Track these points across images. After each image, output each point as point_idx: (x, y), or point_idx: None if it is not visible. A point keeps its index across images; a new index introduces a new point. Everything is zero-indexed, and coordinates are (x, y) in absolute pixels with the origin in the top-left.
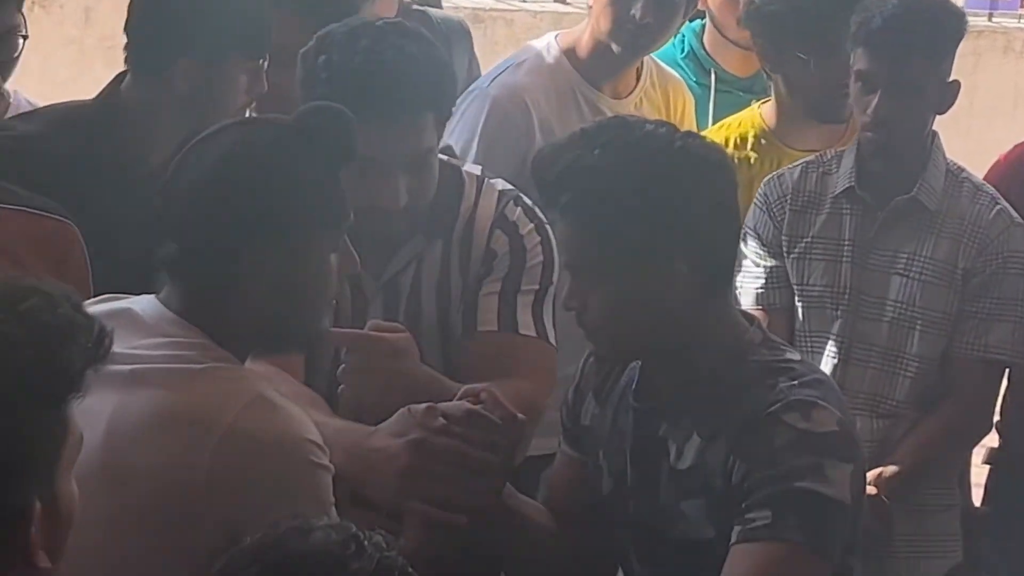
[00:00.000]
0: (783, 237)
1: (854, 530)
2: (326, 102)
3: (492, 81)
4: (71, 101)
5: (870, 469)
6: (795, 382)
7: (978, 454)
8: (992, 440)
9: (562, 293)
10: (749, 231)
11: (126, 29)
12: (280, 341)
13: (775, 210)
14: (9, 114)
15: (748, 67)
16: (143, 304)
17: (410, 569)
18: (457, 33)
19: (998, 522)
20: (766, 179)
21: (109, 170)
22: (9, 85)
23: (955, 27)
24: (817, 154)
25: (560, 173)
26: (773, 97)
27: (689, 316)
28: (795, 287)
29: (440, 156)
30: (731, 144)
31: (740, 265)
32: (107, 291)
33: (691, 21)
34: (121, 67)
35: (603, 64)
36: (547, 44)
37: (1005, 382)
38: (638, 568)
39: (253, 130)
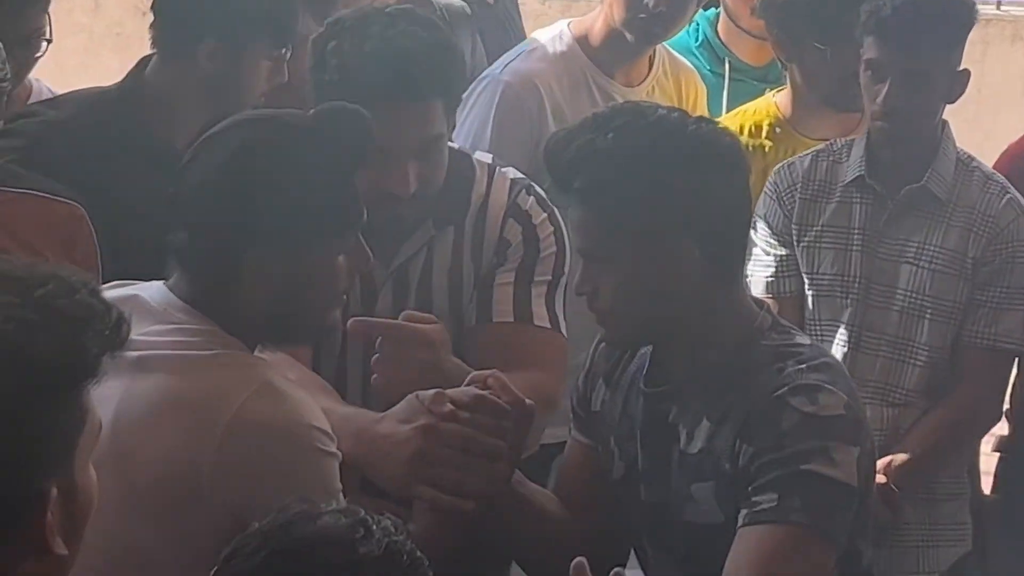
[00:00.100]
0: (793, 226)
1: (863, 513)
2: (344, 103)
3: (505, 68)
4: (95, 87)
5: (880, 457)
6: (803, 366)
7: (987, 442)
8: (1001, 428)
9: (574, 279)
10: (759, 219)
11: (154, 10)
12: (284, 335)
13: (785, 199)
14: (31, 100)
15: (762, 56)
16: (151, 291)
17: (419, 553)
18: (458, 18)
19: (1007, 510)
20: (776, 168)
21: (134, 154)
22: None
23: (965, 16)
24: (827, 143)
25: (573, 157)
26: (788, 86)
27: (701, 300)
28: (805, 276)
29: (450, 144)
30: (746, 132)
31: (750, 253)
32: (134, 275)
33: (705, 10)
34: (129, 54)
35: (616, 52)
36: (559, 31)
37: (1015, 371)
38: (651, 552)
39: (267, 128)
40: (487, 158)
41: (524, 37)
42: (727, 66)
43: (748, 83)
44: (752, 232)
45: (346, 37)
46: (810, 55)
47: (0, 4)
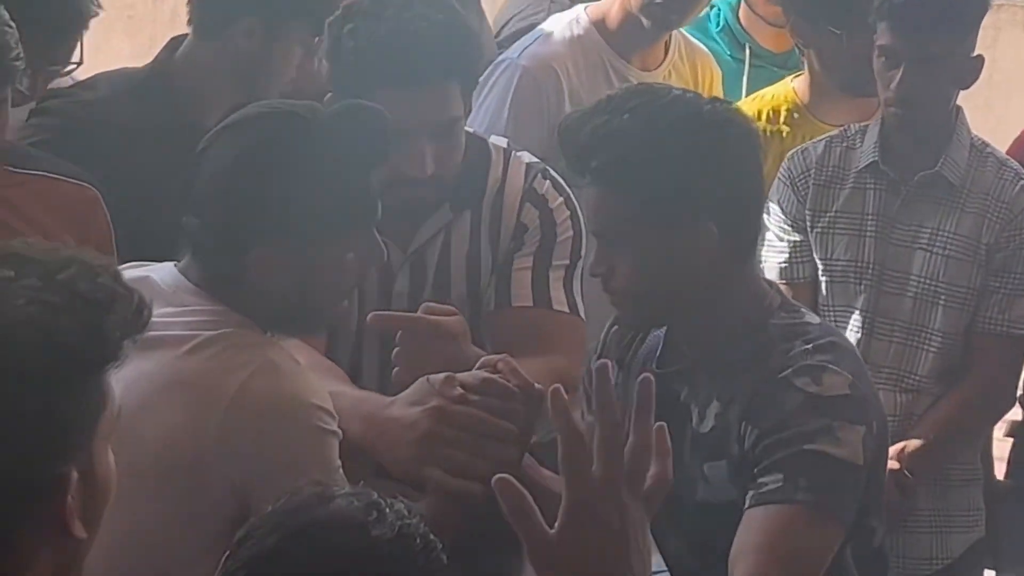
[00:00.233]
0: (807, 211)
1: (872, 491)
2: (363, 101)
3: (522, 52)
4: (125, 68)
5: (894, 444)
6: (809, 346)
7: (1000, 428)
8: (1015, 414)
9: (588, 260)
10: (773, 205)
11: None
12: (291, 325)
13: (799, 184)
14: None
15: (783, 43)
16: (162, 273)
17: (432, 537)
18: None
19: (1021, 495)
20: (789, 153)
21: (165, 134)
22: None
23: (978, 1)
24: (841, 128)
25: (589, 138)
26: (806, 71)
27: (717, 279)
28: (819, 261)
29: (466, 129)
30: (763, 117)
31: (763, 239)
32: (167, 257)
33: None
34: (140, 37)
35: (632, 36)
36: (576, 16)
37: None
38: (667, 532)
39: (282, 124)
40: (502, 142)
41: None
42: (747, 52)
43: (768, 69)
44: (766, 217)
45: (361, 20)
46: (826, 40)
47: (33, 36)
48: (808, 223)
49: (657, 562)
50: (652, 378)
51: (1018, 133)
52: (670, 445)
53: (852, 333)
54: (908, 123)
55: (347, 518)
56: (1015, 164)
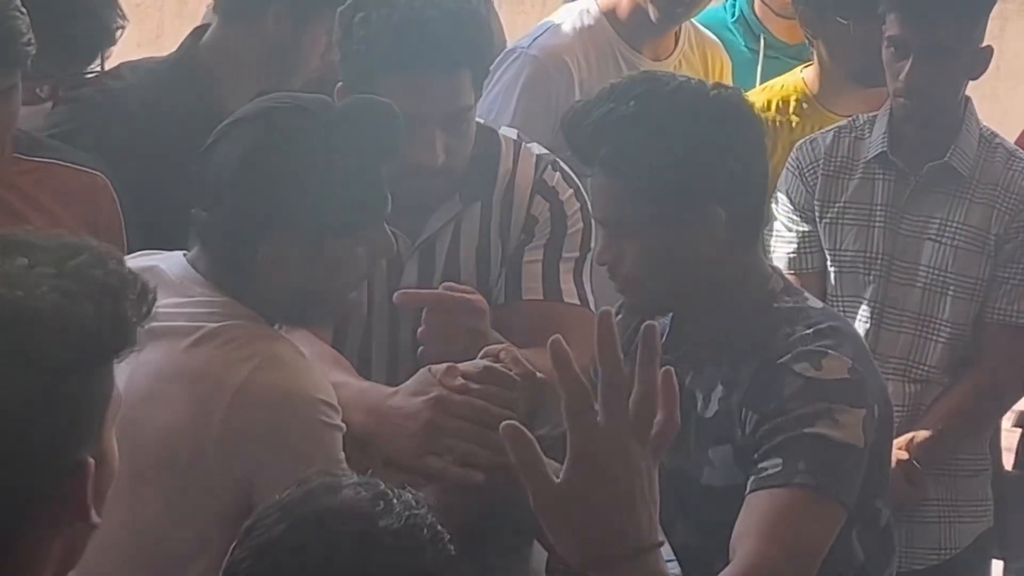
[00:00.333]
0: (815, 202)
1: (876, 474)
2: (374, 97)
3: (533, 42)
4: (151, 56)
5: (902, 434)
6: (810, 331)
7: (1008, 418)
8: (1023, 404)
9: (595, 249)
10: (781, 195)
11: None
12: (300, 317)
13: (807, 174)
14: None
15: (796, 35)
16: (170, 263)
17: (439, 528)
18: None
19: None
20: (798, 143)
21: (192, 121)
22: None
23: None
24: (850, 119)
25: (596, 126)
26: (815, 61)
27: (724, 264)
28: (827, 252)
29: (477, 119)
30: (773, 107)
31: (772, 228)
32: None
33: None
34: (148, 25)
35: (642, 26)
36: (586, 6)
37: None
38: (675, 518)
39: (292, 119)
40: (512, 134)
41: None
42: (762, 43)
43: (783, 60)
44: (774, 207)
45: (373, 8)
46: (834, 30)
47: (60, 52)
48: (817, 213)
49: (666, 551)
50: (656, 326)
51: None
52: (677, 392)
53: (861, 323)
54: (917, 114)
55: (354, 508)
56: None
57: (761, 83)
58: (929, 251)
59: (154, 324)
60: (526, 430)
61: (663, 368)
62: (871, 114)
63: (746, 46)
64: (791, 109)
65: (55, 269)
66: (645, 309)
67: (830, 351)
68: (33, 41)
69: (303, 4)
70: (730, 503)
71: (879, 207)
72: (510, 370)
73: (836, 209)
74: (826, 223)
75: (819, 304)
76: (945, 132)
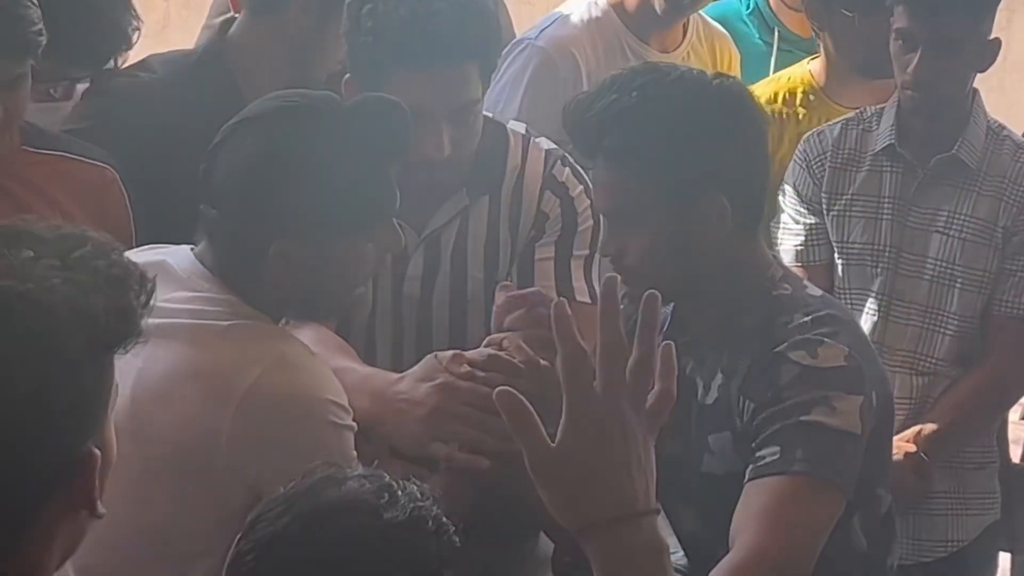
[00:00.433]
0: (823, 194)
1: (876, 460)
2: (383, 95)
3: (540, 33)
4: (178, 49)
5: (909, 427)
6: (808, 319)
7: (1016, 411)
8: None
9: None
10: (789, 187)
11: None
12: (308, 312)
13: (815, 167)
14: None
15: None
16: (178, 257)
17: (445, 519)
18: None
19: None
20: (806, 136)
21: (221, 112)
22: None
23: None
24: (857, 111)
25: (600, 117)
26: (821, 54)
27: (728, 253)
28: (835, 244)
29: (485, 113)
30: (780, 99)
31: (779, 221)
32: None
33: None
34: (153, 16)
35: (650, 18)
36: None
37: None
38: (678, 505)
39: (300, 119)
40: (521, 128)
41: None
42: (776, 36)
43: (796, 54)
44: (781, 200)
45: (381, 0)
46: (839, 22)
47: (77, 57)
48: (824, 206)
49: (672, 544)
50: (658, 295)
51: None
52: (676, 364)
53: (868, 316)
54: (925, 106)
55: (359, 501)
56: None
57: None
58: (937, 243)
59: (163, 321)
60: (520, 396)
61: (663, 343)
62: (879, 106)
63: (760, 39)
64: (798, 101)
65: (60, 261)
66: None
67: (827, 339)
68: (44, 31)
69: None
70: (730, 491)
71: (887, 199)
72: (513, 358)
73: (843, 201)
74: (833, 215)
75: (817, 292)
76: (953, 125)
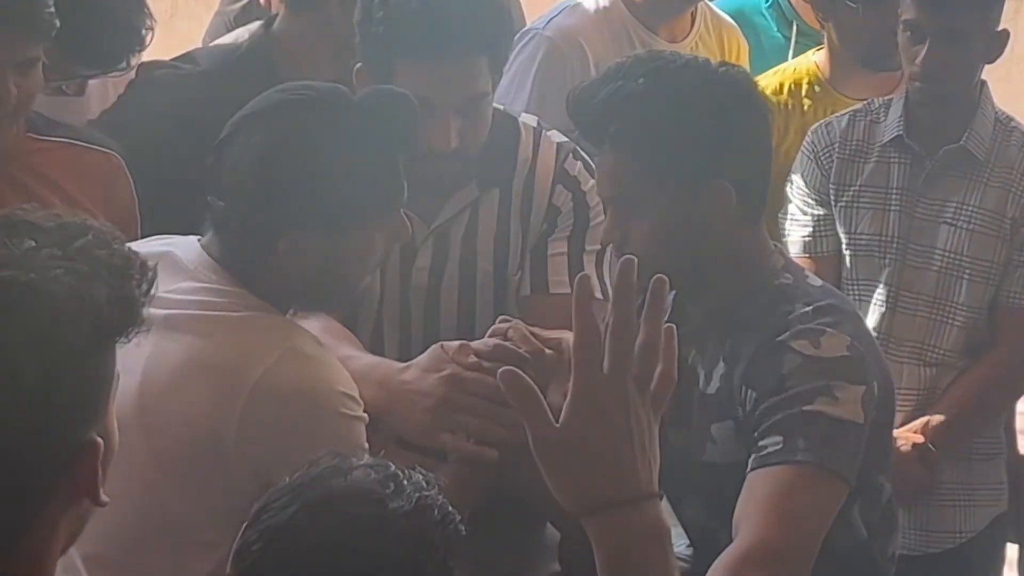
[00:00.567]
0: (831, 185)
1: (878, 450)
2: (391, 87)
3: (548, 23)
4: (221, 44)
5: (917, 417)
6: (809, 308)
7: (1023, 402)
8: None
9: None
10: (796, 179)
11: None
12: (316, 304)
13: (823, 158)
14: None
15: None
16: (184, 247)
17: (450, 509)
18: None
19: None
20: (813, 127)
21: None
22: None
23: None
24: (865, 102)
25: (605, 105)
26: (826, 45)
27: (731, 241)
28: (843, 235)
29: (496, 106)
30: (785, 90)
31: (787, 212)
32: None
33: None
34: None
35: (658, 8)
36: None
37: None
38: (681, 494)
39: (308, 113)
40: (532, 121)
41: None
42: (794, 29)
43: (813, 47)
44: (789, 191)
45: None
46: (843, 14)
47: (91, 54)
48: (832, 197)
49: (679, 533)
50: (666, 280)
51: None
52: (676, 348)
53: (876, 307)
54: (933, 97)
55: (364, 490)
56: None
57: None
58: (944, 235)
59: (171, 312)
60: (525, 376)
61: (666, 325)
62: (886, 98)
63: (779, 32)
64: (803, 92)
65: (61, 251)
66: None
67: (828, 329)
68: (56, 17)
69: None
70: (733, 480)
71: (895, 191)
72: (519, 347)
73: (851, 193)
74: (841, 207)
75: (818, 282)
76: (961, 116)
